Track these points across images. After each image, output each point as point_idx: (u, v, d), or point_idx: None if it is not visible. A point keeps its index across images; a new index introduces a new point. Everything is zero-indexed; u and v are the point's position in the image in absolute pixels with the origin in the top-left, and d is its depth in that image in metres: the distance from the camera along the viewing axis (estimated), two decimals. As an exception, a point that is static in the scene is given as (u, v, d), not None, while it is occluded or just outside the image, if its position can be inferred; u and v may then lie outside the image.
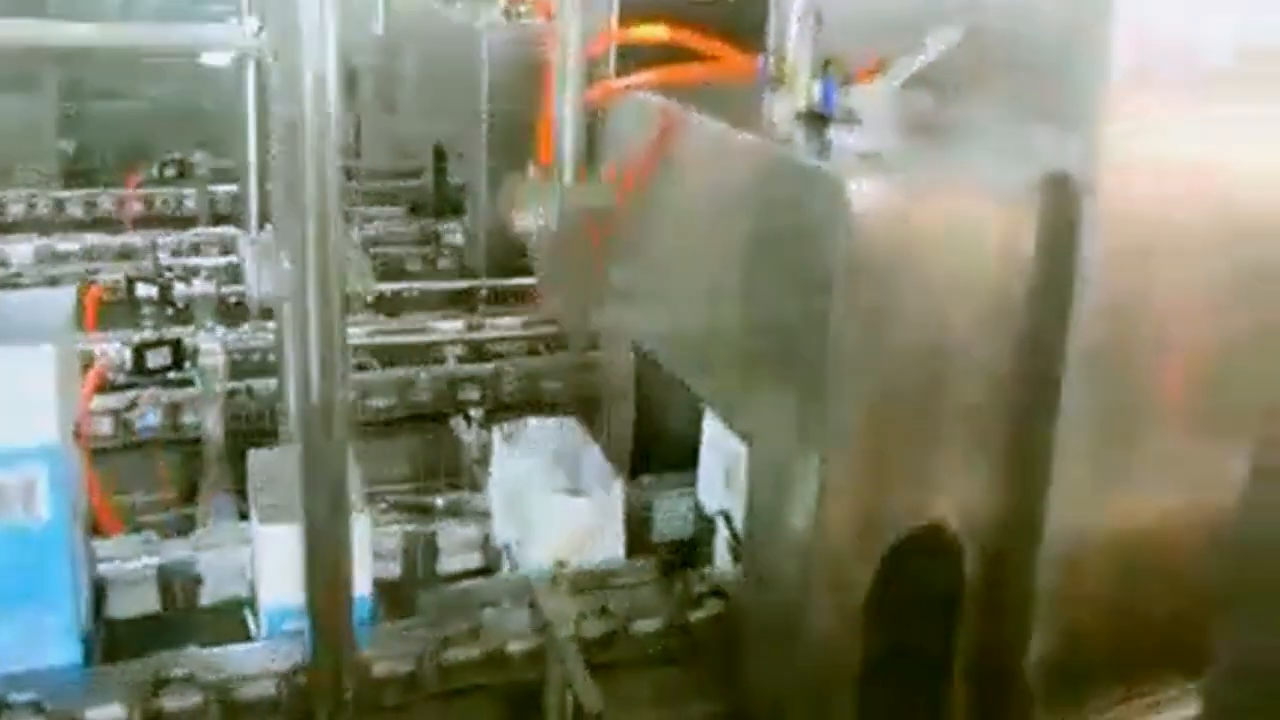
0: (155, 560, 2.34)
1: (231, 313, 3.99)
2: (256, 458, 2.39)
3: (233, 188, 4.97)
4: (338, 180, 1.76)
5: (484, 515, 2.60)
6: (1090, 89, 1.98)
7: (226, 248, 4.38)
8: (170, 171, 5.25)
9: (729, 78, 2.56)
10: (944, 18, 2.21)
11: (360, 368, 3.54)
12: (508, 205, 2.44)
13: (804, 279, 2.04)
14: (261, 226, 3.47)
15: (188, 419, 3.41)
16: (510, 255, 3.97)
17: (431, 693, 2.16)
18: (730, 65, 2.55)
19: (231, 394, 3.43)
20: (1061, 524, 2.07)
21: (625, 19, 3.15)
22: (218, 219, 4.98)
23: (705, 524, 2.56)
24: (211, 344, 3.43)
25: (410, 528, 2.53)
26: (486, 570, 2.54)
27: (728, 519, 2.45)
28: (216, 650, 2.13)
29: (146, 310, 3.92)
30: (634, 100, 2.64)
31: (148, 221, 4.94)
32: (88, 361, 3.17)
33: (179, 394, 3.43)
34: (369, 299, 3.96)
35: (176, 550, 2.39)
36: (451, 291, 4.22)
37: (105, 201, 5.07)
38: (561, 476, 2.46)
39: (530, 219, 2.41)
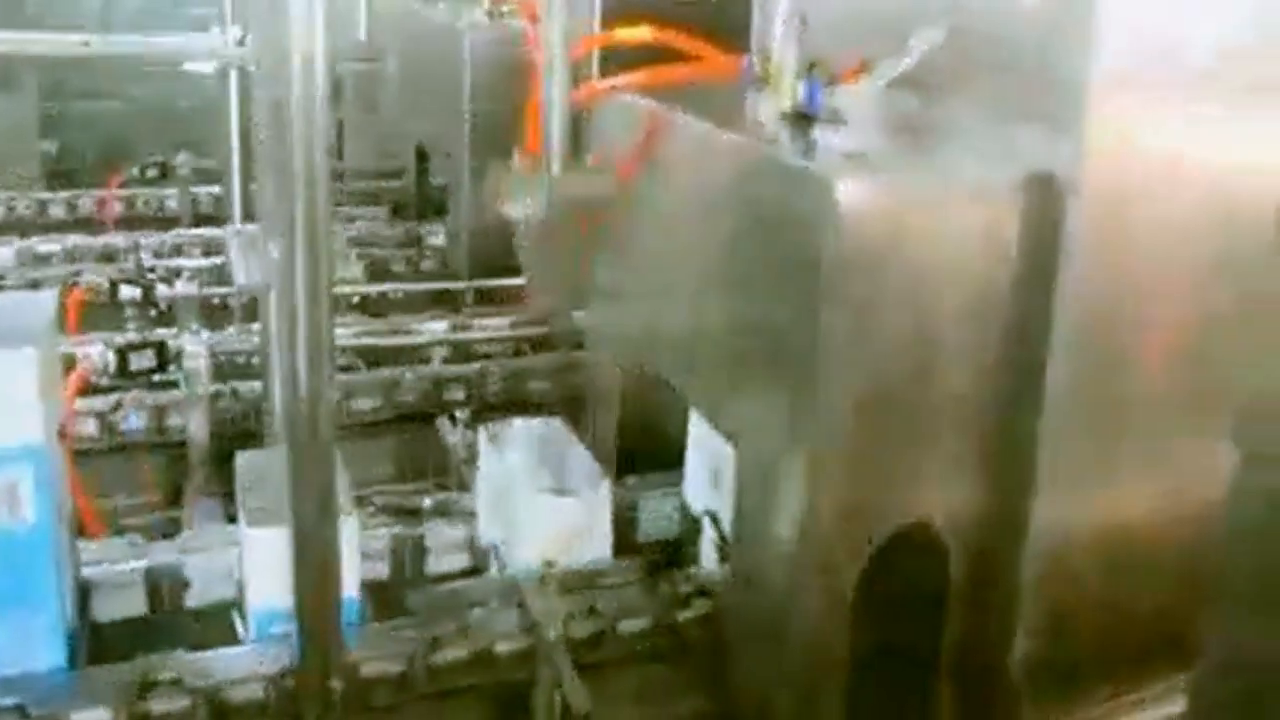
0: (142, 563, 2.34)
1: (215, 314, 3.98)
2: (243, 460, 2.38)
3: (215, 189, 4.96)
4: (326, 164, 1.76)
5: (471, 516, 2.60)
6: (1073, 90, 1.99)
7: (209, 249, 4.37)
8: (152, 172, 5.23)
9: (713, 78, 2.56)
10: (927, 19, 2.22)
11: (345, 369, 3.53)
12: (494, 195, 2.43)
13: (791, 279, 2.05)
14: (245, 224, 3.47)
15: (172, 421, 3.40)
16: (493, 255, 3.97)
17: (420, 694, 2.16)
18: (714, 66, 2.56)
19: (216, 396, 3.42)
20: (1047, 519, 2.09)
21: (608, 19, 3.16)
22: (200, 220, 4.96)
23: (691, 524, 2.57)
24: (195, 346, 3.42)
25: (398, 529, 2.53)
26: (474, 571, 2.54)
27: (714, 519, 2.45)
28: (204, 653, 2.13)
29: (130, 312, 3.90)
30: (618, 101, 2.64)
31: (130, 223, 4.91)
32: (70, 364, 3.16)
33: (163, 396, 3.41)
34: (354, 299, 3.96)
35: (163, 553, 2.38)
36: (435, 292, 4.21)
37: (87, 203, 5.04)
38: (548, 476, 2.46)
39: (518, 208, 2.40)
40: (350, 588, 2.12)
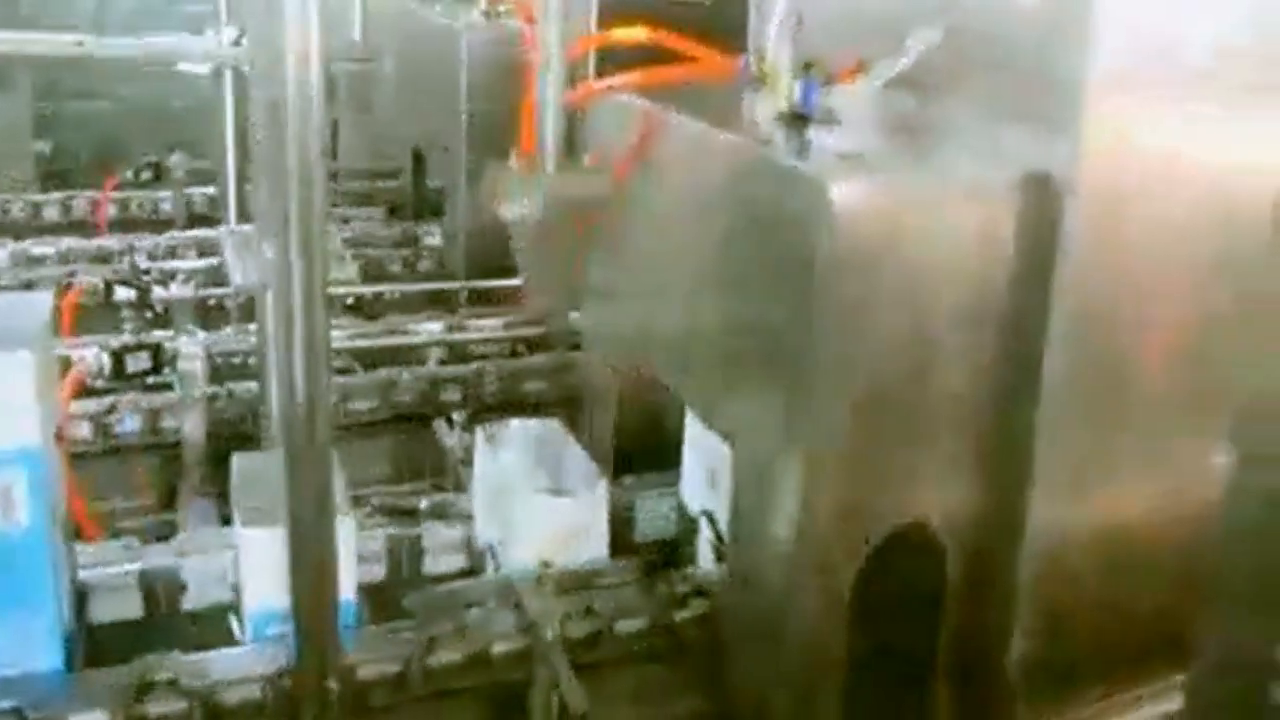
0: (138, 565, 2.33)
1: (210, 316, 3.96)
2: (240, 461, 2.38)
3: (209, 190, 4.95)
4: (321, 163, 1.76)
5: (468, 517, 2.60)
6: (1070, 89, 1.99)
7: (204, 250, 4.35)
8: (146, 174, 5.21)
9: (708, 79, 2.56)
10: (924, 19, 2.22)
11: (342, 371, 3.52)
12: (491, 194, 2.43)
13: (786, 279, 2.05)
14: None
15: (167, 423, 3.38)
16: (490, 256, 3.96)
17: (418, 695, 2.16)
18: (710, 66, 2.55)
19: (212, 398, 3.40)
20: (1043, 519, 2.09)
21: (604, 20, 3.15)
22: (195, 221, 4.95)
23: (688, 524, 2.56)
24: (191, 348, 3.41)
25: (394, 530, 2.53)
26: (471, 572, 2.54)
27: (711, 519, 2.45)
28: (201, 655, 2.12)
29: (125, 314, 3.89)
30: (614, 101, 2.64)
31: (124, 224, 4.90)
32: (66, 367, 3.15)
33: (158, 398, 3.40)
34: (350, 300, 3.95)
35: (159, 556, 2.37)
36: (432, 293, 4.20)
37: (82, 204, 5.02)
38: (545, 477, 2.46)
39: (514, 208, 2.40)
40: (347, 589, 2.13)
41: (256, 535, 2.13)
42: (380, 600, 2.39)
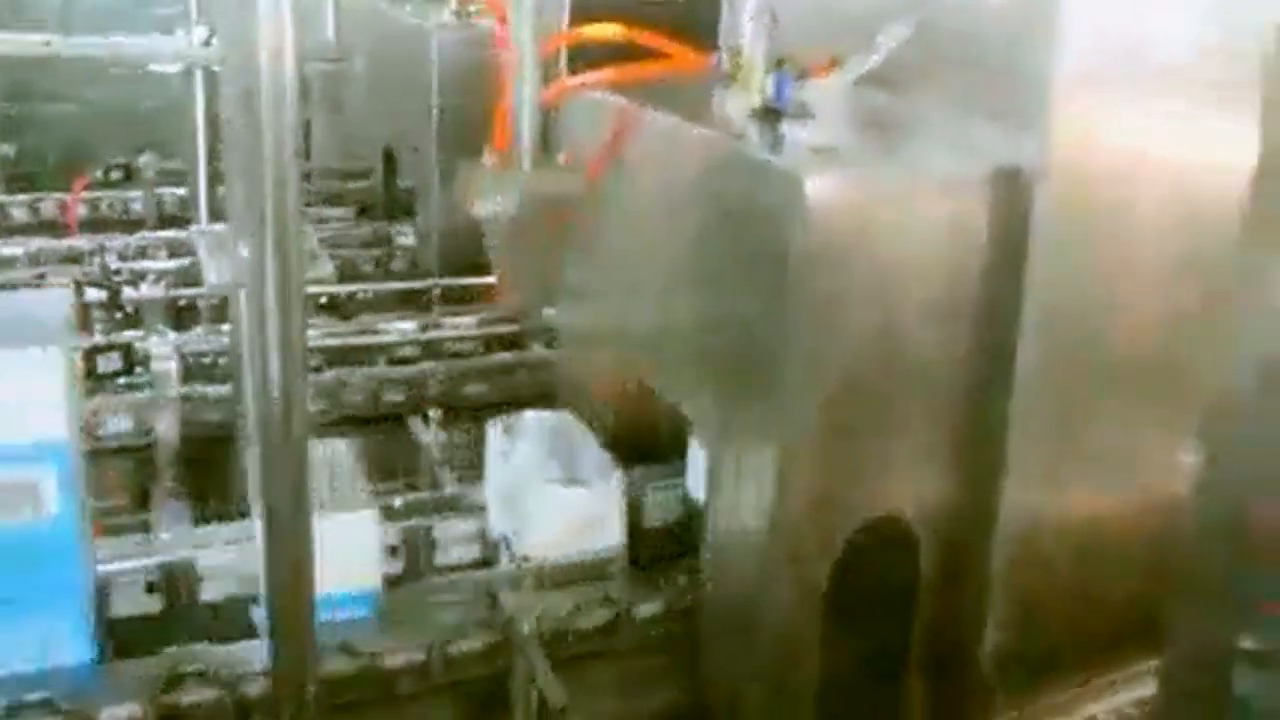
0: (156, 559, 2.32)
1: (181, 316, 3.94)
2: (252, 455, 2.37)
3: (180, 190, 4.92)
4: (295, 161, 1.76)
5: (481, 509, 2.58)
6: (1038, 86, 2.02)
7: (175, 250, 4.33)
8: (116, 175, 5.17)
9: (681, 75, 2.57)
10: (895, 16, 2.24)
11: (315, 370, 3.51)
12: (465, 192, 2.44)
13: (760, 272, 2.06)
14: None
15: (140, 424, 3.36)
16: (463, 254, 3.96)
17: (400, 691, 2.16)
18: (683, 63, 2.57)
19: (184, 398, 3.39)
20: (1016, 509, 2.11)
21: (576, 18, 3.16)
22: (165, 221, 4.92)
23: (696, 515, 2.55)
24: (163, 348, 3.39)
25: (411, 523, 2.51)
26: (485, 563, 2.53)
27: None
28: (228, 646, 2.14)
29: (96, 315, 3.86)
30: (587, 99, 2.65)
31: (94, 225, 4.86)
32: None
33: (130, 399, 3.38)
34: (323, 300, 3.93)
35: (178, 549, 2.36)
36: (405, 292, 4.19)
37: (50, 206, 4.98)
38: (560, 468, 2.46)
39: (488, 206, 2.41)
40: (373, 579, 2.19)
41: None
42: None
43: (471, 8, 4.22)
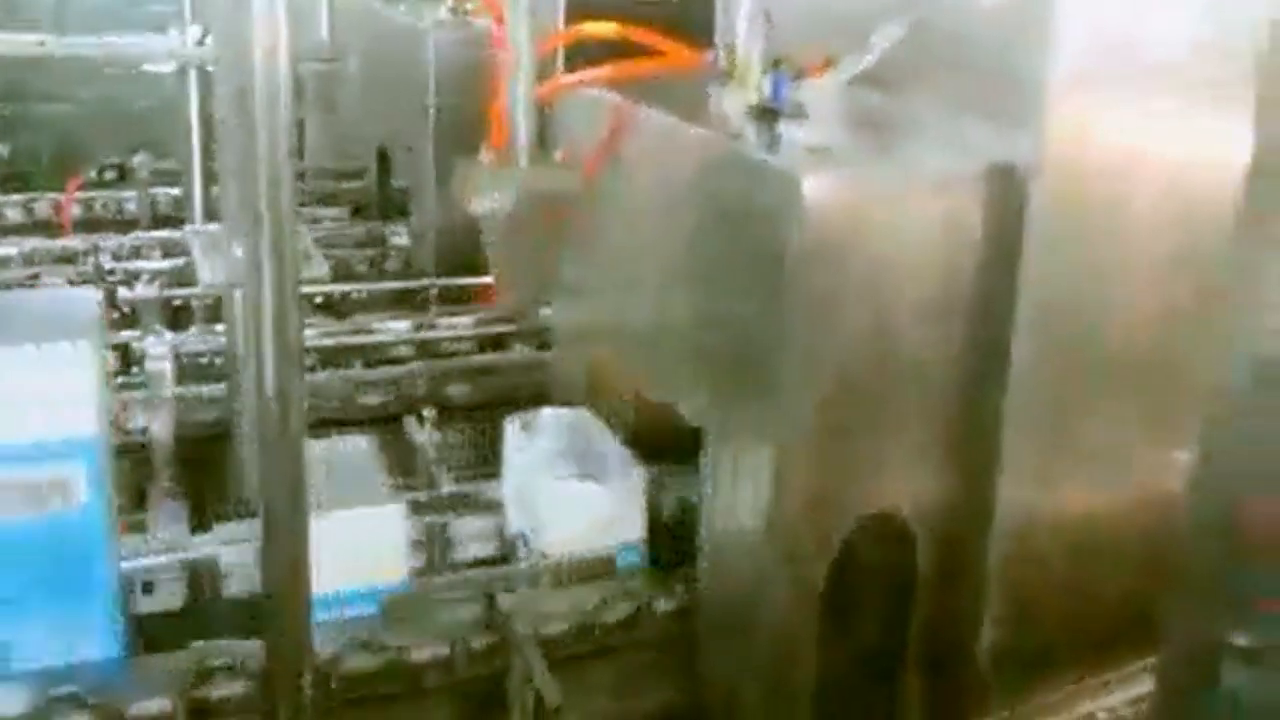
0: (179, 555, 2.33)
1: (175, 316, 3.94)
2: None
3: (174, 190, 4.91)
4: (290, 160, 1.77)
5: (497, 505, 2.59)
6: (1032, 87, 2.02)
7: (169, 250, 4.32)
8: (110, 174, 5.17)
9: (676, 73, 2.58)
10: (889, 16, 2.25)
11: (309, 369, 3.51)
12: (462, 189, 2.44)
13: (756, 272, 2.07)
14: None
15: (135, 424, 3.36)
16: (457, 254, 3.96)
17: (396, 691, 2.16)
18: (678, 61, 2.57)
19: (179, 398, 3.38)
20: (1011, 506, 2.12)
21: (572, 17, 3.16)
22: (160, 221, 4.91)
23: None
24: (159, 348, 3.39)
25: (430, 518, 2.52)
26: (503, 560, 2.53)
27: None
28: (257, 640, 2.12)
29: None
30: (583, 96, 2.65)
31: (88, 225, 4.85)
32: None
33: (125, 398, 3.38)
34: (318, 299, 3.93)
35: (200, 545, 2.38)
36: (400, 292, 4.19)
37: (44, 206, 4.97)
38: (579, 465, 2.47)
39: (486, 202, 2.41)
40: (400, 573, 2.23)
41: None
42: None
43: (467, 6, 4.21)
